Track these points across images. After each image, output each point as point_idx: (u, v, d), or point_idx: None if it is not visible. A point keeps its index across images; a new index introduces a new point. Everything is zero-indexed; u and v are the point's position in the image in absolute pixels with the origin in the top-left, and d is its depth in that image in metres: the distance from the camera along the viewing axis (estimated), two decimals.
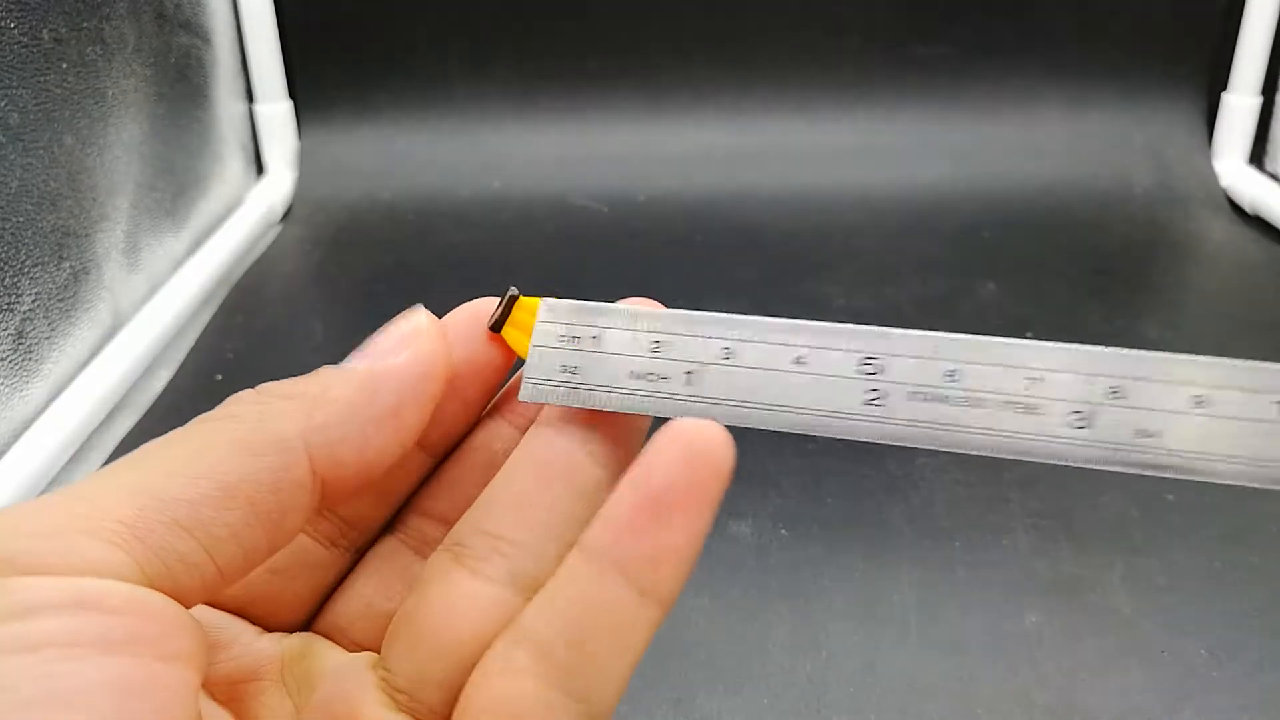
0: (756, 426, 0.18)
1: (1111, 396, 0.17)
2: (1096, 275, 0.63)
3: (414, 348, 0.18)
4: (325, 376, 0.18)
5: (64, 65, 0.49)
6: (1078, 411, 0.17)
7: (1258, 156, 0.77)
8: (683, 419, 0.17)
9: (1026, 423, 0.18)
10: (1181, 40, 0.77)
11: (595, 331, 0.19)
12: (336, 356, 0.20)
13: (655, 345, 0.19)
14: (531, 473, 0.19)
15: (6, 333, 0.43)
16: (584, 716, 0.17)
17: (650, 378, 0.19)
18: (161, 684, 0.14)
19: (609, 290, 0.73)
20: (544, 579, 0.18)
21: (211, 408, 0.17)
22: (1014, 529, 0.40)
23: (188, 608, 0.15)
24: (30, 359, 0.45)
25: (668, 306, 0.20)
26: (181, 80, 0.64)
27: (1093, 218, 0.71)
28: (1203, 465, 0.17)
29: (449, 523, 0.20)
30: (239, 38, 0.73)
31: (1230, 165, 0.76)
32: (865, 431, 0.18)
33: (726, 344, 0.19)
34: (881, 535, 0.40)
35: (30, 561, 0.13)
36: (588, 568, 0.17)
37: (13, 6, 0.45)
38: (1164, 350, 0.18)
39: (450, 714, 0.18)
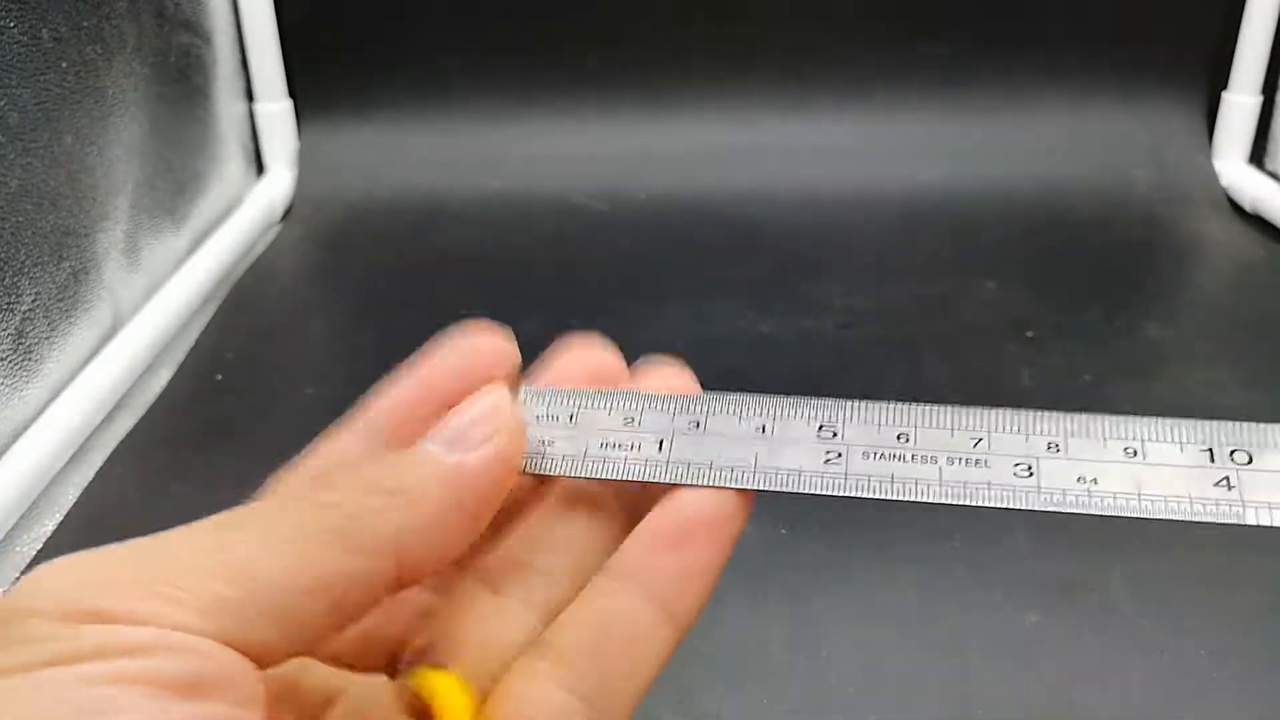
0: (723, 485, 0.20)
1: (1050, 450, 0.19)
2: (1097, 275, 0.63)
3: (498, 441, 0.18)
4: (419, 469, 0.18)
5: (64, 65, 0.49)
6: (1020, 464, 0.19)
7: (1258, 156, 0.77)
8: None
9: (976, 474, 0.19)
10: (1181, 40, 0.77)
11: (570, 411, 0.21)
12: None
13: (627, 421, 0.20)
14: (558, 508, 0.20)
15: (6, 333, 0.43)
16: None
17: (623, 447, 0.20)
18: None
19: (609, 290, 0.73)
20: (564, 604, 0.19)
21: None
22: (1014, 529, 0.40)
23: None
24: (30, 359, 0.45)
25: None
26: (181, 79, 0.64)
27: (1093, 218, 0.71)
28: (1137, 505, 0.18)
29: None
30: (239, 37, 0.73)
31: (1230, 165, 0.76)
32: (825, 486, 0.19)
33: (694, 417, 0.20)
34: (881, 535, 0.40)
35: (121, 617, 0.14)
36: (612, 585, 0.19)
37: (13, 6, 0.45)
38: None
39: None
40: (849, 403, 0.20)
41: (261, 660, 0.15)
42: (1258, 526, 0.18)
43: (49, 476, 0.44)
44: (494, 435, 0.18)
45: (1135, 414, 0.19)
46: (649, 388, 0.22)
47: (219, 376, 0.52)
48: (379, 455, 0.18)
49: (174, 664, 0.14)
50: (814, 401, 0.20)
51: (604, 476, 0.20)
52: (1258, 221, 0.71)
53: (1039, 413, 0.19)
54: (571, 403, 0.21)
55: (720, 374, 0.58)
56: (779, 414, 0.20)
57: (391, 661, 0.20)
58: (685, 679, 0.34)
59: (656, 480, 0.20)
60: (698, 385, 0.22)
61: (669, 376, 0.22)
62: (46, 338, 0.46)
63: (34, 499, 0.43)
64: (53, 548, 0.40)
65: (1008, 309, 0.59)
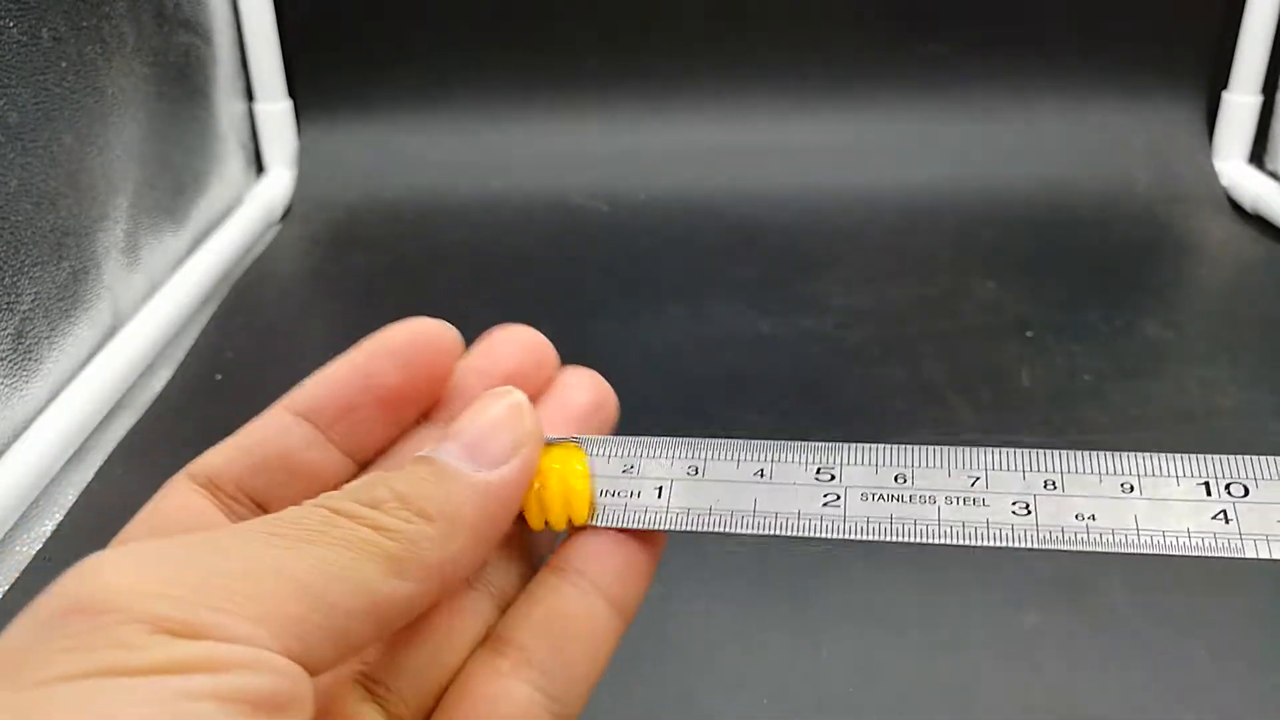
0: (724, 531, 0.20)
1: (1047, 488, 0.19)
2: (1096, 275, 0.63)
3: (522, 457, 0.19)
4: (456, 494, 0.18)
5: (63, 64, 0.49)
6: (1018, 501, 0.19)
7: (1258, 155, 0.77)
8: None
9: (975, 513, 0.19)
10: (1181, 40, 0.77)
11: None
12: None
13: (627, 469, 0.21)
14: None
15: (6, 332, 0.43)
16: (559, 718, 0.19)
17: (622, 495, 0.20)
18: None
19: (609, 290, 0.73)
20: (514, 594, 0.20)
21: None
22: None
23: None
24: (30, 358, 0.45)
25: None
26: (181, 79, 0.64)
27: (1093, 217, 0.71)
28: (1136, 540, 0.19)
29: None
30: (239, 36, 0.73)
31: (1230, 165, 0.76)
32: (824, 529, 0.19)
33: (692, 463, 0.20)
34: None
35: (210, 633, 0.14)
36: (563, 582, 0.19)
37: (12, 6, 0.45)
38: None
39: (428, 712, 0.19)
40: (846, 446, 0.20)
41: (314, 674, 0.16)
42: (1256, 559, 0.18)
43: (49, 476, 0.44)
44: (519, 448, 0.19)
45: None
46: (569, 397, 0.22)
47: (219, 376, 0.52)
48: (412, 473, 0.18)
49: (258, 682, 0.14)
50: (811, 445, 0.20)
51: (604, 524, 0.20)
52: (1258, 221, 0.71)
53: (1035, 451, 0.20)
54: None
55: (720, 374, 0.58)
56: (776, 458, 0.20)
57: None
58: (685, 679, 0.34)
59: (657, 528, 0.20)
60: (613, 396, 0.23)
61: (587, 387, 0.22)
62: (46, 337, 0.46)
63: (34, 499, 0.43)
64: (53, 548, 0.40)
65: (1008, 309, 0.59)
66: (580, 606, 0.19)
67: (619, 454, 0.21)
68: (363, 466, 0.21)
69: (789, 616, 0.36)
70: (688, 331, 0.55)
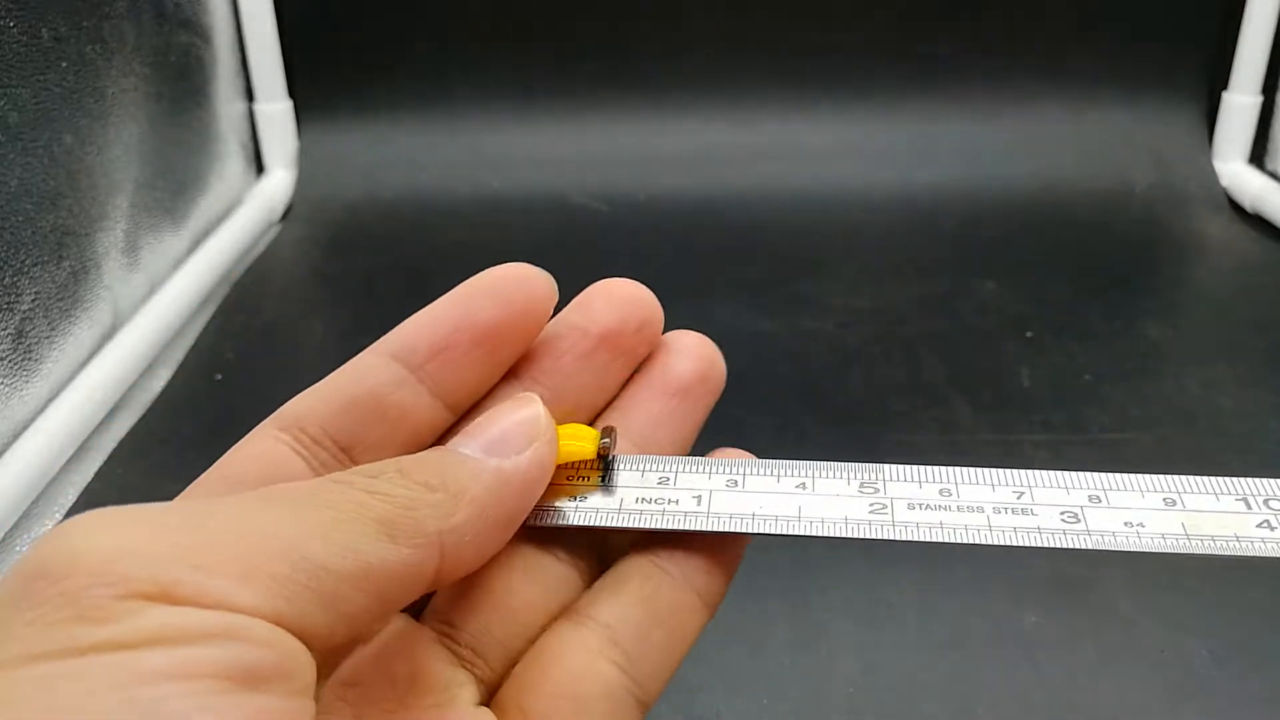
0: (767, 533, 0.20)
1: (1092, 501, 0.20)
2: (1096, 275, 0.63)
3: (535, 449, 0.18)
4: (461, 470, 0.17)
5: (63, 64, 0.49)
6: (1066, 512, 0.19)
7: (1258, 156, 0.77)
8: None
9: (1024, 520, 0.19)
10: (1181, 40, 0.77)
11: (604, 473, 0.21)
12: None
13: (662, 481, 0.20)
14: None
15: (6, 332, 0.43)
16: (638, 703, 0.19)
17: (660, 501, 0.20)
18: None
19: None
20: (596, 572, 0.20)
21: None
22: None
23: None
24: (30, 358, 0.45)
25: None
26: (181, 79, 0.64)
27: (1093, 218, 0.71)
28: (1187, 543, 0.19)
29: None
30: (239, 36, 0.73)
31: (1230, 165, 0.76)
32: (874, 531, 0.19)
33: (731, 477, 0.20)
34: None
35: (186, 594, 0.13)
36: (654, 569, 0.19)
37: (12, 5, 0.45)
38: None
39: (505, 674, 0.19)
40: (888, 466, 0.20)
41: (310, 646, 0.15)
42: None
43: (49, 476, 0.44)
44: (532, 443, 0.18)
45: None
46: (672, 365, 0.22)
47: (219, 376, 0.52)
48: (421, 454, 0.18)
49: (231, 654, 0.13)
50: (852, 465, 0.20)
51: (641, 527, 0.20)
52: (1258, 221, 0.71)
53: (1076, 473, 0.20)
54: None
55: None
56: (817, 474, 0.20)
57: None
58: (686, 679, 0.34)
59: (696, 530, 0.20)
60: (720, 366, 0.22)
61: (693, 354, 0.22)
62: (46, 337, 0.46)
63: (34, 499, 0.43)
64: None
65: (1008, 309, 0.59)
66: (670, 594, 0.19)
67: (653, 468, 0.20)
68: (457, 415, 0.21)
69: (789, 616, 0.36)
70: None
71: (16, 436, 0.44)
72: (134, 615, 0.13)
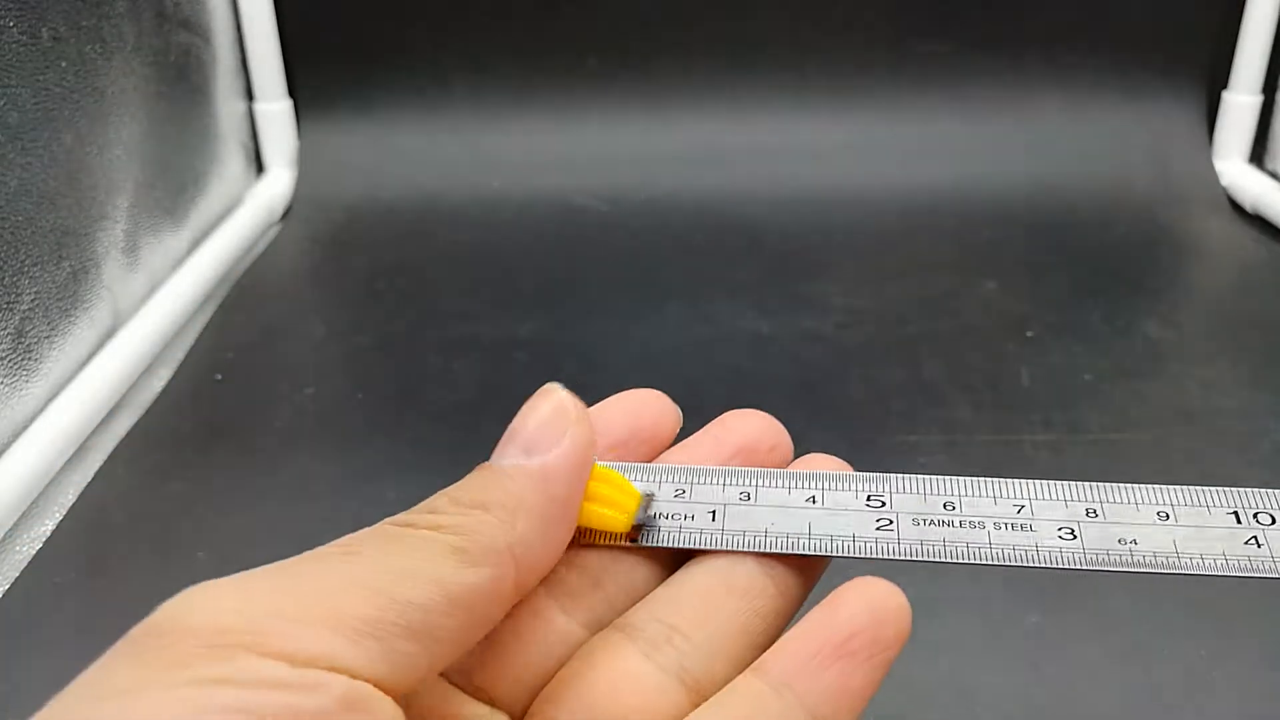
0: (778, 551, 0.20)
1: (1089, 515, 0.21)
2: (1096, 275, 0.63)
3: (571, 436, 0.19)
4: (509, 479, 0.18)
5: (63, 64, 0.49)
6: (1063, 527, 0.20)
7: (1258, 155, 0.77)
8: (868, 578, 0.20)
9: (1022, 538, 0.20)
10: (1181, 39, 0.77)
11: None
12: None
13: (679, 493, 0.21)
14: (717, 581, 0.20)
15: (6, 332, 0.43)
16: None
17: (675, 517, 0.21)
18: None
19: (609, 290, 0.72)
20: (707, 683, 0.19)
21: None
22: None
23: (398, 701, 0.16)
24: (30, 358, 0.45)
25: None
26: (181, 79, 0.64)
27: (1093, 218, 0.71)
28: (1177, 562, 0.20)
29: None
30: (238, 36, 0.73)
31: (1230, 165, 0.76)
32: (880, 550, 0.21)
33: (744, 490, 0.21)
34: None
35: (277, 646, 0.15)
36: (765, 689, 0.19)
37: (12, 5, 0.45)
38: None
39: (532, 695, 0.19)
40: (894, 477, 0.21)
41: (404, 686, 0.16)
42: None
43: (49, 476, 0.44)
44: (566, 431, 0.19)
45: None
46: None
47: (219, 376, 0.52)
48: (467, 478, 0.19)
49: (317, 702, 0.14)
50: (860, 475, 0.21)
51: (655, 544, 0.20)
52: (1258, 221, 0.71)
53: (1075, 483, 0.21)
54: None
55: (720, 374, 0.58)
56: (827, 485, 0.21)
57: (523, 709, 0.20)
58: None
59: (710, 548, 0.20)
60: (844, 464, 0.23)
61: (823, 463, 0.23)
62: (46, 337, 0.46)
63: (34, 499, 0.43)
64: (52, 547, 0.40)
65: (1008, 309, 0.59)
66: (778, 717, 0.19)
67: (670, 479, 0.21)
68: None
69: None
70: (688, 331, 0.55)
71: (16, 436, 0.44)
72: (223, 662, 0.14)
